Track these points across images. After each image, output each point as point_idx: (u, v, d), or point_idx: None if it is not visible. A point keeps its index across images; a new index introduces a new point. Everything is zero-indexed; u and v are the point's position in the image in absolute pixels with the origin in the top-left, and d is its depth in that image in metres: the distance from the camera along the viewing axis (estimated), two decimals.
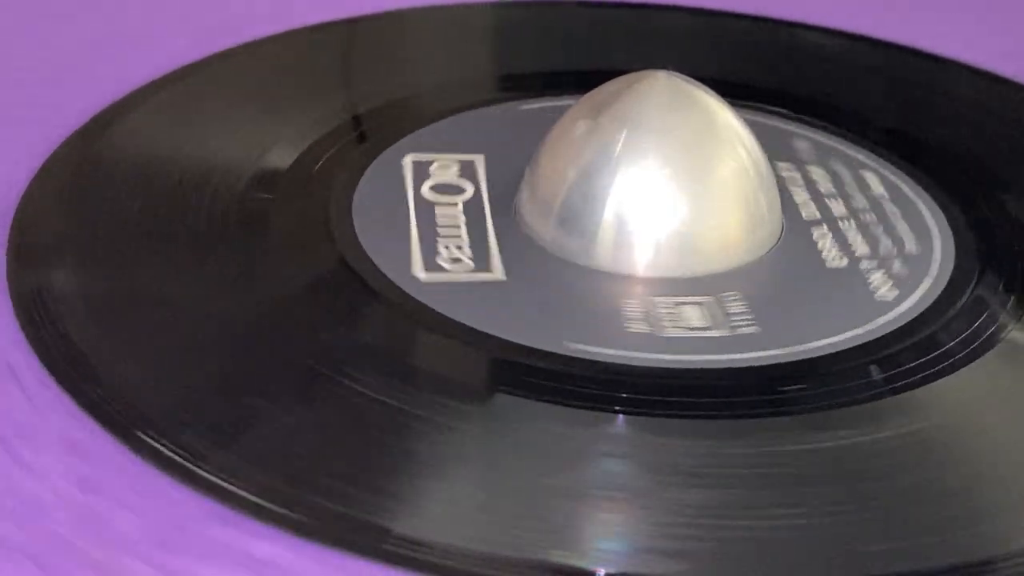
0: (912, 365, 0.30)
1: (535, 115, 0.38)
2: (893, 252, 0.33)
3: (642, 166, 0.32)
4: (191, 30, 0.42)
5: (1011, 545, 0.26)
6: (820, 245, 0.34)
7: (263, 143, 0.36)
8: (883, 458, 0.28)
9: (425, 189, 0.35)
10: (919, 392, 0.29)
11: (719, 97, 0.34)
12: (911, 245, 0.34)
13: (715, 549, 0.26)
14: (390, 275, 0.31)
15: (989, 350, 0.31)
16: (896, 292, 0.32)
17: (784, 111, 0.39)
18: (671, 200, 0.32)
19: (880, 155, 0.37)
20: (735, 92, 0.36)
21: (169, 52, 0.40)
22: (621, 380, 0.29)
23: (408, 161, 0.36)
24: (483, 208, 0.34)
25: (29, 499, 0.26)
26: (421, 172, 0.35)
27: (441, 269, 0.32)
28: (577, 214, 0.32)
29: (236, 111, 0.38)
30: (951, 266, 0.33)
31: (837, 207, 0.35)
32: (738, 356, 0.30)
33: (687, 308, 0.31)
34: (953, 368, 0.30)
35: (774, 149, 0.35)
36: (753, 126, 0.34)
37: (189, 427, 0.27)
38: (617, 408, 0.28)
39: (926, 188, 0.36)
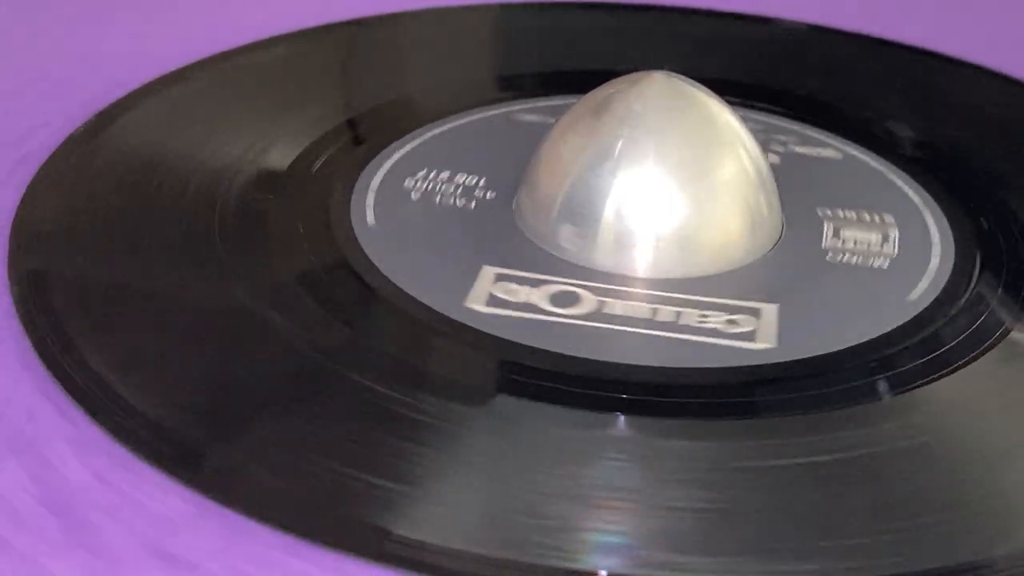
0: (912, 365, 0.30)
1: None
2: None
3: (642, 166, 0.32)
4: (191, 30, 0.42)
5: (1011, 545, 0.26)
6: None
7: (263, 143, 0.36)
8: (884, 458, 0.28)
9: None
10: (919, 392, 0.29)
11: (719, 97, 0.34)
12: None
13: (715, 549, 0.26)
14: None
15: (989, 350, 0.31)
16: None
17: (784, 111, 0.39)
18: (671, 200, 0.32)
19: (880, 154, 0.37)
20: (735, 92, 0.36)
21: (169, 52, 0.40)
22: (621, 381, 0.29)
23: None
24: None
25: (24, 492, 0.26)
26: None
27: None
28: (577, 214, 0.32)
29: (236, 111, 0.38)
30: (951, 266, 0.33)
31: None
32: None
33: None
34: (953, 368, 0.30)
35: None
36: (753, 126, 0.34)
37: (187, 425, 0.27)
38: (617, 409, 0.28)
39: (926, 187, 0.36)
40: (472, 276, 0.32)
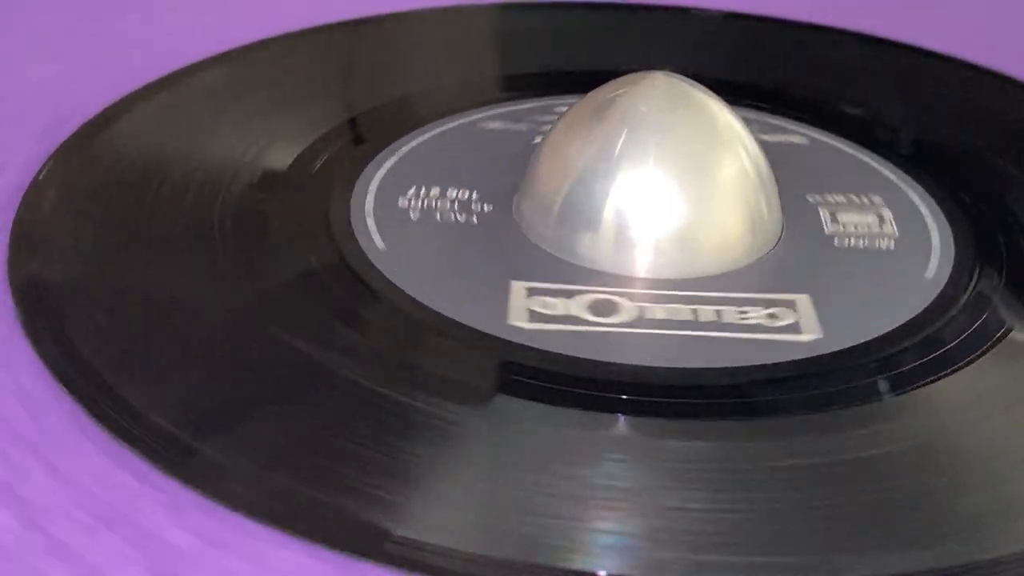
0: (912, 365, 0.30)
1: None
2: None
3: (642, 167, 0.32)
4: (191, 31, 0.42)
5: (1013, 545, 0.26)
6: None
7: (263, 143, 0.36)
8: (884, 459, 0.28)
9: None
10: (919, 392, 0.29)
11: (719, 98, 0.34)
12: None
13: (715, 550, 0.26)
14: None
15: (989, 350, 0.31)
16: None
17: (784, 111, 0.39)
18: (671, 201, 0.32)
19: (880, 154, 0.37)
20: (735, 92, 0.36)
21: (170, 52, 0.40)
22: (621, 381, 0.29)
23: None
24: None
25: (23, 492, 0.26)
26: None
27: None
28: (577, 214, 0.32)
29: (236, 111, 0.38)
30: (950, 266, 0.33)
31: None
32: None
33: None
34: (953, 368, 0.30)
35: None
36: (753, 126, 0.34)
37: (187, 426, 0.27)
38: (617, 409, 0.28)
39: (926, 187, 0.36)
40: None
